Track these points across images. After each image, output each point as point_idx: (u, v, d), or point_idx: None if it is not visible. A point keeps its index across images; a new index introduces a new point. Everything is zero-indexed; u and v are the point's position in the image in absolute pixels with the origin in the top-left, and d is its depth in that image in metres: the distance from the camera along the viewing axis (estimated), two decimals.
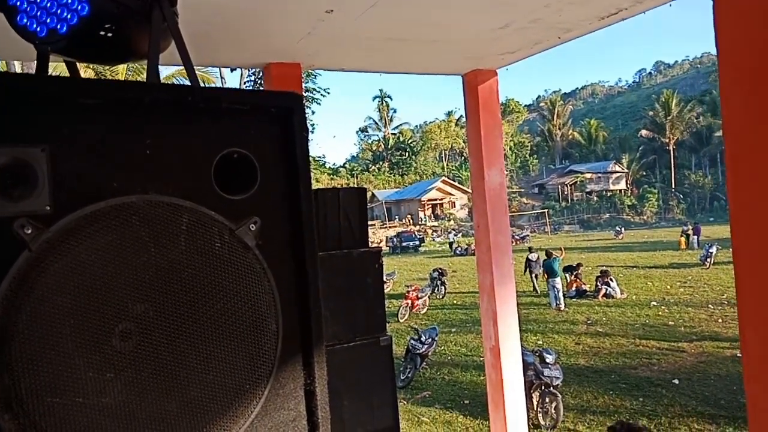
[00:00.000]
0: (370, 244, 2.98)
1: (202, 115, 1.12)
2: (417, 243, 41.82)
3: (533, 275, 18.78)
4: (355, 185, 63.99)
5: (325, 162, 65.77)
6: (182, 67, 1.28)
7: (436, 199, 61.02)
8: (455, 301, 17.88)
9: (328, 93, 36.79)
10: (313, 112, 40.88)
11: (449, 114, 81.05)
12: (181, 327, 0.99)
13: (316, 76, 32.44)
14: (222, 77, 22.10)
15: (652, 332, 11.81)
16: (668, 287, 17.23)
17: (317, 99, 34.58)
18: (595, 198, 61.74)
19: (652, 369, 9.33)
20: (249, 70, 22.22)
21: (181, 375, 0.99)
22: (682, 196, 59.48)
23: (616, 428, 2.89)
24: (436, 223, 57.34)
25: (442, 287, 19.00)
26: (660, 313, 13.77)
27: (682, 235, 29.29)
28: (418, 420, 8.16)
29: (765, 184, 1.60)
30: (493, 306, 5.10)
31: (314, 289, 1.22)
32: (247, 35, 3.08)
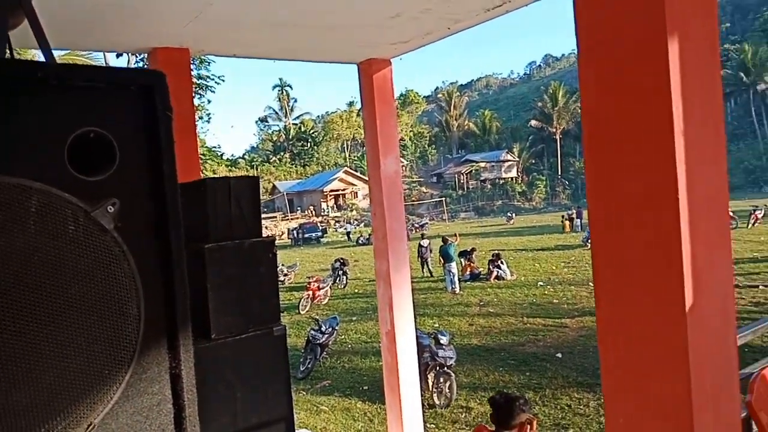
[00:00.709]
0: (266, 234, 2.95)
1: (55, 93, 1.07)
2: (319, 234, 41.71)
3: (424, 260, 19.91)
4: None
5: (222, 153, 63.63)
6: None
7: (338, 190, 61.04)
8: (357, 290, 18.07)
9: (223, 80, 35.37)
10: (208, 101, 39.33)
11: (351, 104, 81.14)
12: (31, 314, 0.95)
13: (209, 63, 31.23)
14: (106, 63, 20.75)
15: (539, 310, 12.60)
16: (554, 268, 18.44)
17: (211, 87, 33.25)
18: (489, 186, 64.49)
19: (537, 345, 9.97)
20: (137, 56, 21.05)
21: (32, 364, 0.95)
22: (567, 182, 63.46)
23: (496, 399, 3.07)
24: (338, 214, 57.41)
25: (344, 277, 19.13)
26: (546, 292, 14.72)
27: (566, 219, 31.46)
28: (317, 409, 8.21)
29: (617, 172, 1.76)
30: (389, 292, 5.21)
31: (179, 272, 1.20)
32: (131, 18, 2.92)
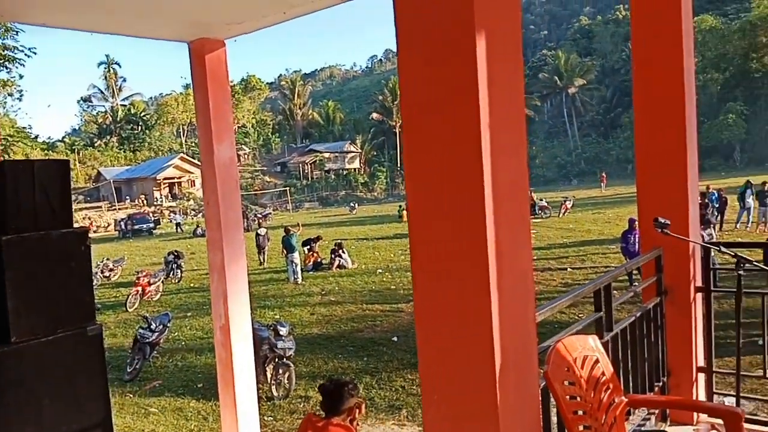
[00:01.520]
0: (83, 225, 2.65)
1: None
2: (151, 226, 39.06)
3: (262, 249, 19.86)
4: (76, 162, 56.67)
5: (37, 135, 56.61)
6: None
7: (173, 178, 57.57)
8: (192, 284, 17.25)
9: (35, 53, 31.03)
10: (21, 76, 34.54)
11: (188, 86, 76.66)
12: None
13: (17, 32, 27.36)
14: None
15: (377, 297, 13.03)
16: (392, 255, 19.19)
17: (20, 59, 29.14)
18: (333, 176, 65.17)
19: (375, 330, 10.31)
20: None
21: None
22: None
23: (326, 385, 3.10)
24: (174, 204, 54.16)
25: (178, 271, 18.15)
26: (384, 279, 15.27)
27: (403, 209, 32.87)
28: (146, 412, 7.70)
29: (431, 162, 1.84)
30: (223, 285, 5.01)
31: None
32: None
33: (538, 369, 2.01)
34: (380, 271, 16.46)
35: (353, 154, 68.04)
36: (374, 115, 73.23)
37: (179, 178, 58.01)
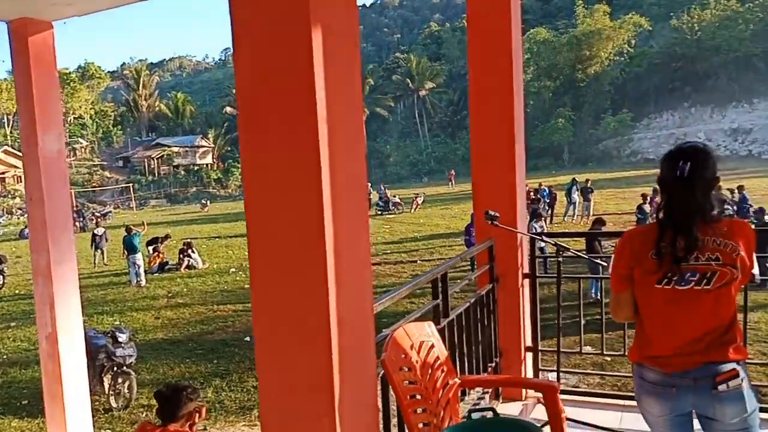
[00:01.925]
0: None
1: None
2: None
3: (99, 250, 18.62)
4: None
5: None
6: None
7: None
8: (18, 291, 15.45)
9: None
10: None
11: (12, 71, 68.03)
12: None
13: None
14: None
15: (230, 297, 12.61)
16: (246, 254, 18.65)
17: None
18: (183, 172, 61.93)
19: (227, 331, 9.97)
20: None
21: None
22: None
23: (162, 392, 2.93)
24: None
25: (0, 276, 16.15)
26: (237, 278, 14.82)
27: None
28: None
29: (269, 157, 1.80)
30: (49, 290, 4.56)
31: None
32: None
33: (375, 358, 2.06)
34: (233, 270, 15.96)
35: (205, 148, 65.18)
36: (228, 109, 70.63)
37: (3, 173, 51.56)
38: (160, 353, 9.00)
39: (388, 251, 17.95)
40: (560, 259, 3.37)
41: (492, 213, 3.22)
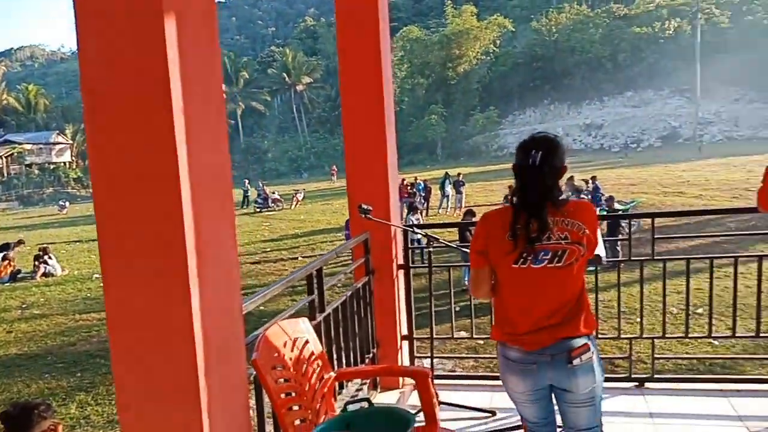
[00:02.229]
0: None
1: None
2: None
3: None
4: None
5: None
6: None
7: None
8: None
9: None
10: None
11: None
12: None
13: None
14: None
15: (93, 305, 11.68)
16: None
17: None
18: (37, 171, 56.44)
19: (91, 342, 9.22)
20: None
21: None
22: None
23: (9, 412, 2.65)
24: None
25: None
26: (101, 284, 13.75)
27: None
28: None
29: (120, 151, 1.67)
30: None
31: None
32: None
33: (245, 358, 2.00)
34: (97, 276, 14.80)
35: (62, 145, 59.83)
36: None
37: None
38: (14, 370, 8.13)
39: (268, 249, 17.62)
40: (431, 249, 3.48)
41: (365, 206, 3.26)
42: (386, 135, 3.70)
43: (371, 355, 3.69)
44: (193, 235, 1.66)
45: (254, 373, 2.12)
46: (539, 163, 2.00)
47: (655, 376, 3.50)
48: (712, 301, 3.47)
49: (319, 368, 2.44)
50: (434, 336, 3.85)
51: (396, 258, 3.78)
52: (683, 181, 23.56)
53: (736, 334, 3.52)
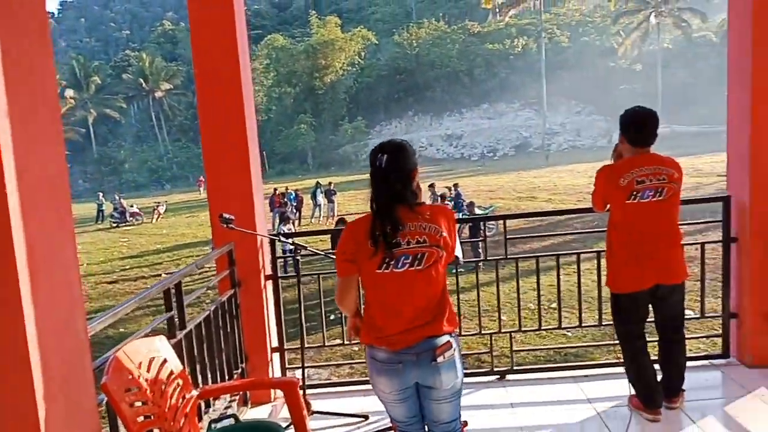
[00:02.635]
0: None
1: None
2: None
3: None
4: None
5: None
6: None
7: None
8: None
9: None
10: None
11: None
12: None
13: None
14: None
15: None
16: None
17: None
18: None
19: None
20: None
21: None
22: None
23: None
24: None
25: None
26: None
27: None
28: None
29: None
30: None
31: None
32: None
33: (94, 384, 1.84)
34: None
35: None
36: None
37: None
38: None
39: (127, 267, 16.48)
40: (299, 258, 3.45)
41: (227, 216, 3.15)
42: (248, 143, 3.61)
43: (240, 369, 3.56)
44: (24, 253, 1.50)
45: (105, 398, 1.96)
46: (385, 166, 2.07)
47: (515, 368, 3.74)
48: (560, 295, 3.78)
49: (180, 387, 2.30)
50: (306, 346, 3.81)
51: (263, 268, 3.70)
52: (534, 186, 25.59)
53: (583, 325, 3.87)
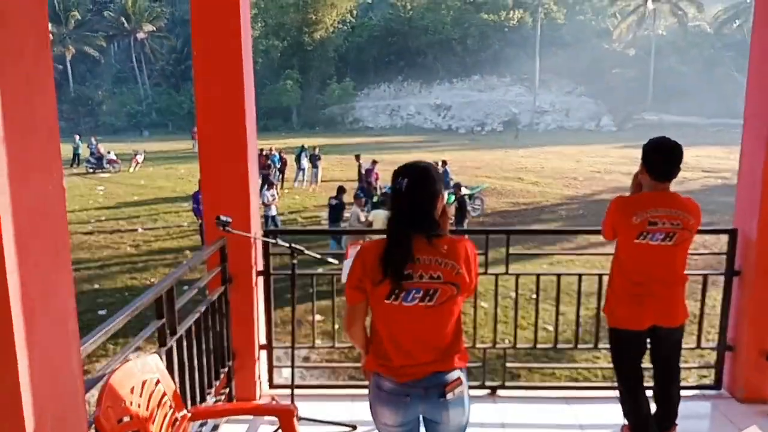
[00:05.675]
0: None
1: None
2: None
3: None
4: None
5: None
6: None
7: None
8: None
9: None
10: None
11: None
12: None
13: None
14: None
15: None
16: None
17: None
18: None
19: None
20: None
21: None
22: None
23: None
24: None
25: None
26: None
27: None
28: None
29: None
30: None
31: None
32: None
33: (87, 420, 1.71)
34: None
35: None
36: None
37: None
38: None
39: (104, 218, 16.12)
40: (295, 261, 3.31)
41: (224, 219, 2.98)
42: (247, 142, 3.44)
43: (227, 368, 3.45)
44: (19, 291, 1.34)
45: None
46: (405, 191, 1.94)
47: (506, 384, 3.69)
48: (558, 315, 3.73)
49: (172, 410, 2.19)
50: (295, 345, 3.70)
51: (255, 264, 3.56)
52: (521, 167, 25.57)
53: (578, 346, 3.83)
